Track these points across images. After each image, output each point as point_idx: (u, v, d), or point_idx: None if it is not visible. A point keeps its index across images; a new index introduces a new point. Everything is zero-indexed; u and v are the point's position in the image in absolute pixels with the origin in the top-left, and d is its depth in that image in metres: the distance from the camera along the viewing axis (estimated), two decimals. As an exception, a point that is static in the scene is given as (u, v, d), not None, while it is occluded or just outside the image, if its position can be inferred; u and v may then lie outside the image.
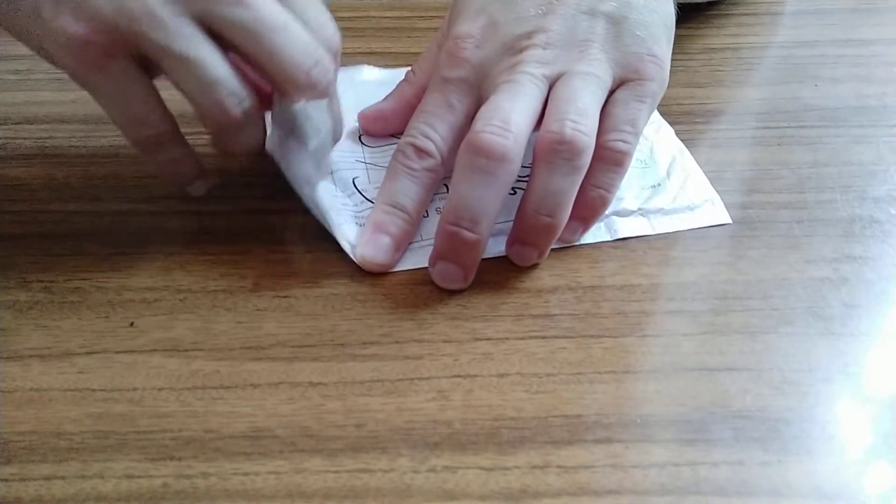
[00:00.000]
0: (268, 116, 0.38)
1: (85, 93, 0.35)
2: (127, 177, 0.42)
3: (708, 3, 0.56)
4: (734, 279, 0.37)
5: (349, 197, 0.39)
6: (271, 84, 0.37)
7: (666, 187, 0.41)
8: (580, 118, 0.35)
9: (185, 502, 0.29)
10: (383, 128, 0.42)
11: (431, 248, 0.37)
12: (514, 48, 0.37)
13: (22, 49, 0.36)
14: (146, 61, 0.35)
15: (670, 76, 0.39)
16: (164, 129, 0.37)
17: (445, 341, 0.34)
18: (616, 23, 0.38)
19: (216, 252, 0.38)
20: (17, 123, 0.45)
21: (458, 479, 0.30)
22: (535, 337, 0.35)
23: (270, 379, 0.33)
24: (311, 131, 0.39)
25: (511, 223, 0.37)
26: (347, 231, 0.38)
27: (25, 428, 0.31)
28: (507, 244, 0.38)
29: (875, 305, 0.37)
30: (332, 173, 0.40)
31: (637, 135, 0.37)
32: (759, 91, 0.50)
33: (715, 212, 0.40)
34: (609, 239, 0.39)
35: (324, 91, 0.37)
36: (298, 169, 0.38)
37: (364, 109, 0.43)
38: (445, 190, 0.39)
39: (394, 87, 0.43)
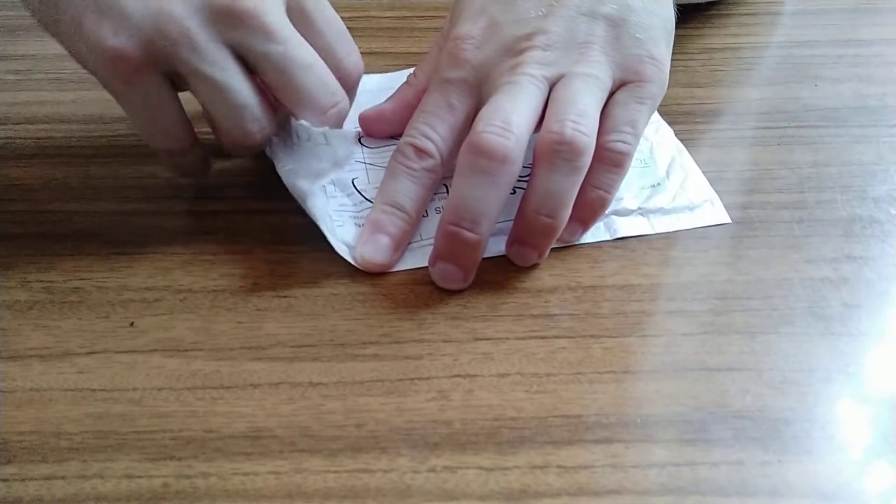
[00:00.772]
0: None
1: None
2: (127, 177, 0.42)
3: (708, 3, 0.56)
4: (734, 279, 0.37)
5: (348, 197, 0.39)
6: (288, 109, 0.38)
7: (665, 187, 0.41)
8: (580, 119, 0.35)
9: (185, 502, 0.29)
10: (383, 129, 0.42)
11: (431, 247, 0.37)
12: (515, 49, 0.37)
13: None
14: (175, 76, 0.36)
15: (670, 76, 0.39)
16: (186, 143, 0.38)
17: (445, 341, 0.34)
18: (616, 25, 0.38)
19: (216, 252, 0.38)
20: (17, 123, 0.45)
21: (458, 479, 0.30)
22: (535, 337, 0.35)
23: (270, 379, 0.33)
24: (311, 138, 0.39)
25: (511, 223, 0.37)
26: (345, 232, 0.38)
27: (25, 428, 0.31)
28: (507, 244, 0.38)
29: (875, 305, 0.37)
30: (331, 176, 0.40)
31: (637, 136, 0.37)
32: (759, 91, 0.50)
33: (714, 212, 0.40)
34: (608, 238, 0.39)
35: (336, 126, 0.39)
36: (295, 174, 0.39)
37: (364, 110, 0.43)
38: (445, 190, 0.39)
39: (394, 91, 0.43)
